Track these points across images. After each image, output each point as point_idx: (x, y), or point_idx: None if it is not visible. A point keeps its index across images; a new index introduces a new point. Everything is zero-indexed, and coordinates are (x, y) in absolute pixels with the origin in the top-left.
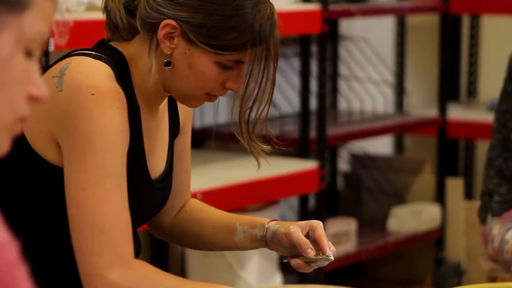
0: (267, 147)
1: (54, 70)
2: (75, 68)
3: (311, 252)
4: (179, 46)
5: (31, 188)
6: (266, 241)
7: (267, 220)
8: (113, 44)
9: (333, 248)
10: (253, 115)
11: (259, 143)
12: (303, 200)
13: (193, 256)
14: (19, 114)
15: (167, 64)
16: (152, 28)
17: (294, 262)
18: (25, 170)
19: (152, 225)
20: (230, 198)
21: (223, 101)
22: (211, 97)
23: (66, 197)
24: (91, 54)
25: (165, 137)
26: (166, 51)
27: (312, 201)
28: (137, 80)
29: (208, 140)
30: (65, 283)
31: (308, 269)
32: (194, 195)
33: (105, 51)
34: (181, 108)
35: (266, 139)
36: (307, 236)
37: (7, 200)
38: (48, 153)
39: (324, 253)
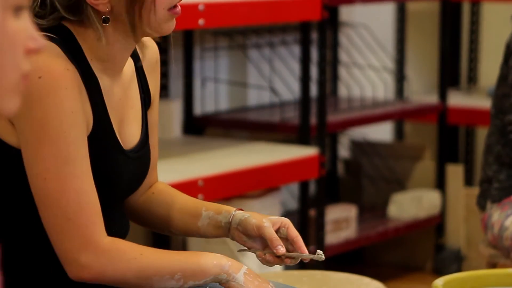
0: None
1: None
2: None
3: (281, 249)
4: None
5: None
6: (230, 228)
7: (233, 208)
8: (64, 22)
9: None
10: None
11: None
12: (304, 186)
13: (194, 244)
14: (22, 71)
15: (106, 20)
16: (74, 7)
17: (269, 256)
18: None
19: None
20: (231, 184)
21: (223, 89)
22: (175, 9)
23: (30, 185)
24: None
25: (136, 107)
26: (104, 9)
27: (312, 188)
28: (88, 52)
29: (209, 127)
30: (38, 264)
31: (278, 264)
32: (195, 182)
33: (52, 30)
34: (151, 79)
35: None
36: (277, 231)
37: None
38: (8, 137)
39: (302, 252)
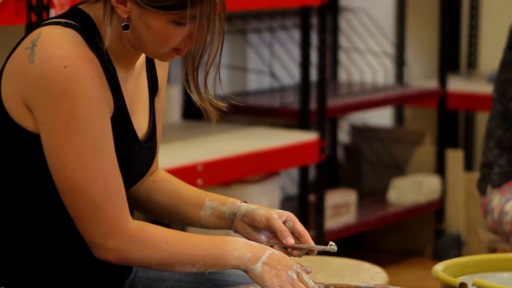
0: (222, 105)
1: (27, 41)
2: (45, 38)
3: (290, 240)
4: (133, 9)
5: (14, 157)
6: (234, 219)
7: (238, 200)
8: (83, 7)
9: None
10: (203, 70)
11: (214, 100)
12: (304, 171)
13: (194, 230)
14: None
15: (125, 27)
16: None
17: (276, 248)
18: (6, 140)
19: None
20: (230, 169)
21: (223, 74)
22: (178, 51)
23: (55, 175)
24: (61, 22)
25: (144, 96)
26: (123, 15)
27: (312, 173)
28: (107, 41)
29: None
30: (57, 245)
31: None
32: (194, 167)
33: (75, 17)
34: (159, 68)
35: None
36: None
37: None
38: (26, 123)
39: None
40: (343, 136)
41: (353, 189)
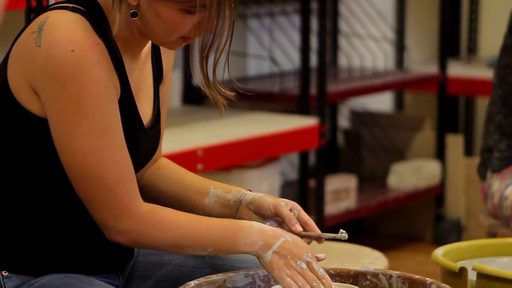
0: (230, 94)
1: (33, 25)
2: (52, 22)
3: (298, 228)
4: None
5: (20, 140)
6: (239, 207)
7: (244, 189)
8: None
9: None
10: (212, 60)
11: (222, 89)
12: (304, 156)
13: None
14: None
15: (134, 15)
16: None
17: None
18: (13, 124)
19: None
20: (231, 154)
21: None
22: (186, 39)
23: (64, 160)
24: (68, 7)
25: (149, 83)
26: (132, 2)
27: (312, 158)
28: (116, 29)
29: (207, 97)
30: (61, 228)
31: None
32: (194, 152)
33: (82, 2)
34: (165, 56)
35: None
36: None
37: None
38: (33, 107)
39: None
40: (343, 121)
41: (353, 174)
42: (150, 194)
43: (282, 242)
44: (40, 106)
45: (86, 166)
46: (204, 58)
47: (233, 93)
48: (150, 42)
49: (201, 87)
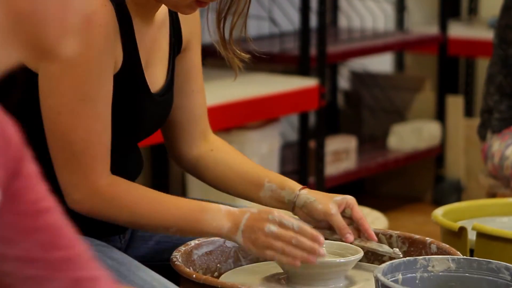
0: (245, 56)
1: None
2: None
3: (350, 238)
4: None
5: (24, 99)
6: (294, 207)
7: (298, 186)
8: None
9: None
10: (229, 22)
11: (238, 51)
12: (303, 117)
13: (195, 192)
14: (84, 12)
15: None
16: None
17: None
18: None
19: (174, 156)
20: (230, 115)
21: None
22: (200, 3)
23: (43, 116)
24: None
25: (163, 50)
26: None
27: (312, 119)
28: None
29: (207, 58)
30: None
31: None
32: None
33: None
34: (185, 24)
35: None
36: (342, 213)
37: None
38: (32, 64)
39: (369, 237)
40: (343, 82)
41: (353, 135)
42: (204, 177)
43: (247, 219)
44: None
45: (58, 125)
46: (221, 20)
47: (248, 55)
48: (167, 9)
49: (217, 47)
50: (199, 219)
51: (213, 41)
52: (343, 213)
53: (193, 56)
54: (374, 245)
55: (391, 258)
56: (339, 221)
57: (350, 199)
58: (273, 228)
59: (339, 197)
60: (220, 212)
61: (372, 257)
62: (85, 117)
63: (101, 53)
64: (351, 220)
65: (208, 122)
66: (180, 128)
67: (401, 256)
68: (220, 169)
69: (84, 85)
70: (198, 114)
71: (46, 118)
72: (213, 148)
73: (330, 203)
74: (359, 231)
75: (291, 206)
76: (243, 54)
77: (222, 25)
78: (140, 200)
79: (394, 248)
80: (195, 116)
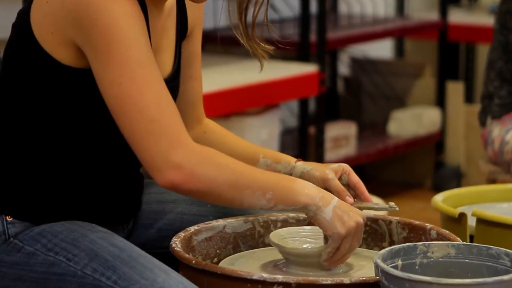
0: (270, 48)
1: None
2: None
3: (349, 200)
4: None
5: (42, 87)
6: None
7: (293, 159)
8: None
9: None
10: (251, 14)
11: (261, 44)
12: (303, 103)
13: None
14: None
15: None
16: None
17: None
18: (36, 71)
19: None
20: (230, 101)
21: (222, 5)
22: None
23: (104, 97)
24: None
25: (171, 37)
26: None
27: (312, 105)
28: None
29: (207, 44)
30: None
31: None
32: None
33: None
34: (190, 11)
35: (268, 41)
36: (339, 179)
37: (18, 101)
38: (60, 54)
39: (366, 199)
40: (343, 68)
41: (353, 122)
42: None
43: (338, 200)
44: (69, 54)
45: (124, 97)
46: (243, 11)
47: (272, 47)
48: None
49: (240, 40)
50: (293, 185)
51: (235, 33)
52: (340, 180)
53: (195, 43)
54: (369, 204)
55: (389, 235)
56: (337, 185)
57: (345, 166)
58: (361, 221)
59: (335, 164)
60: (308, 184)
61: (371, 243)
62: (148, 81)
63: (140, 21)
64: (347, 187)
65: (202, 108)
66: None
67: (397, 209)
68: (214, 149)
69: (136, 52)
70: (193, 100)
71: (110, 95)
72: (206, 131)
73: (327, 170)
74: (356, 197)
75: None
76: (267, 46)
77: (244, 17)
78: (237, 161)
79: (390, 202)
80: (191, 102)
